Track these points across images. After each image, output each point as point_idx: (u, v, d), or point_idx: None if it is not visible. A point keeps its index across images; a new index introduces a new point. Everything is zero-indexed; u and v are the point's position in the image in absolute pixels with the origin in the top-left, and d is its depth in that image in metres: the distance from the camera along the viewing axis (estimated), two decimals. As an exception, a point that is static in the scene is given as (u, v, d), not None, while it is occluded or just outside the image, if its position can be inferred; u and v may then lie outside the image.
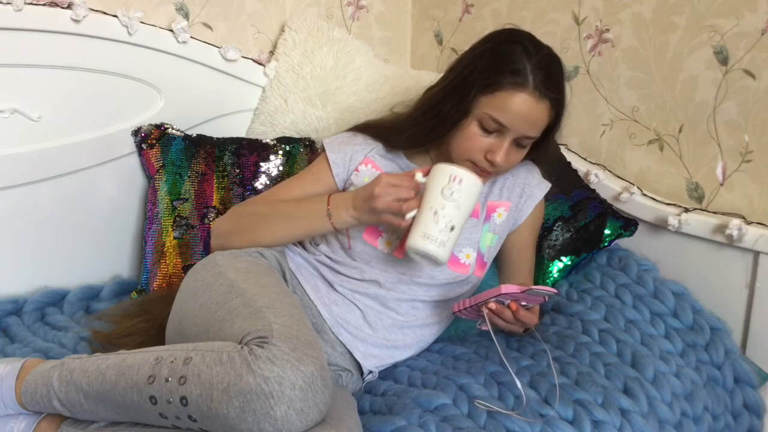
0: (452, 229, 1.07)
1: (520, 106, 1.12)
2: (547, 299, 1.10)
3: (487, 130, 1.15)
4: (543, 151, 1.26)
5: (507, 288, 1.05)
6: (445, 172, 1.08)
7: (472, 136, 1.16)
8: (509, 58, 1.13)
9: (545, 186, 1.33)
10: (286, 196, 1.26)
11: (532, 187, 1.31)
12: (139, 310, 1.34)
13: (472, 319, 1.15)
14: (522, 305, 1.10)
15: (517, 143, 1.17)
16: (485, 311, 1.09)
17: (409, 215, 1.08)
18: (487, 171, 1.18)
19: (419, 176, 1.10)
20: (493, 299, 1.07)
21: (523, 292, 1.05)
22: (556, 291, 1.09)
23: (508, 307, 1.09)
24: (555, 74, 1.15)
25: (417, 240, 1.07)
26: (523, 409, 1.04)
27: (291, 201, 1.24)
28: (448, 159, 1.18)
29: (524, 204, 1.31)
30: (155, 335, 1.23)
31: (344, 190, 1.28)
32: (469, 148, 1.16)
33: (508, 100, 1.12)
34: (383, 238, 1.20)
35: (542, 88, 1.12)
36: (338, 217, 1.15)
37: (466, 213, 1.09)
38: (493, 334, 1.09)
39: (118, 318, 1.33)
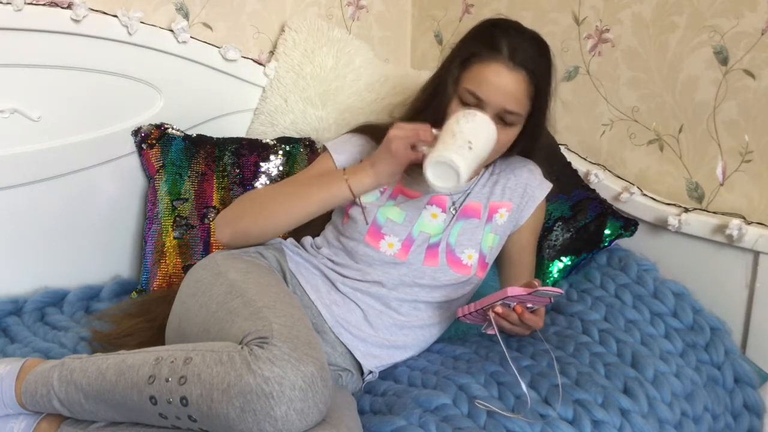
0: (470, 148, 1.05)
1: (493, 77, 1.13)
2: (552, 300, 1.10)
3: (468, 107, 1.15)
4: (533, 135, 1.24)
5: (513, 290, 1.04)
6: (459, 113, 1.10)
7: None
8: (487, 35, 1.16)
9: (546, 186, 1.33)
10: None
11: (533, 188, 1.31)
12: (139, 310, 1.34)
13: (476, 323, 1.14)
14: (528, 308, 1.09)
15: (501, 120, 1.16)
16: (492, 315, 1.07)
17: (427, 148, 1.08)
18: None
19: (433, 130, 1.10)
20: (499, 302, 1.06)
21: (529, 294, 1.04)
22: (561, 291, 1.08)
23: (514, 310, 1.09)
24: (533, 48, 1.16)
25: (435, 154, 1.05)
26: (524, 410, 1.04)
27: (300, 178, 1.25)
28: None
29: (526, 205, 1.31)
30: (155, 335, 1.23)
31: None
32: None
33: (482, 71, 1.13)
34: (385, 240, 1.20)
35: (517, 58, 1.13)
36: (356, 179, 1.14)
37: (483, 141, 1.08)
38: (500, 338, 1.07)
39: (118, 318, 1.33)
